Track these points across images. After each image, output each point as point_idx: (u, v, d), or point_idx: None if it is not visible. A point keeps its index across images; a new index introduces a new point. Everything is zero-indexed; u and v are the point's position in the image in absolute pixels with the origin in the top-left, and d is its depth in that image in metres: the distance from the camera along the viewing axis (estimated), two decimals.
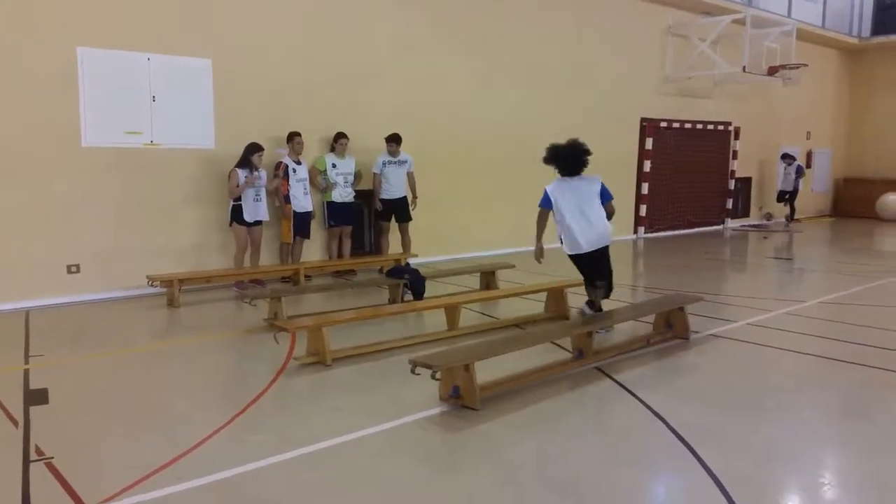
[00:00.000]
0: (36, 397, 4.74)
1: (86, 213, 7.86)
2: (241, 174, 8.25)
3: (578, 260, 6.19)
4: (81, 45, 7.69)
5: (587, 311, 6.22)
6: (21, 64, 7.36)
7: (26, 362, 5.60)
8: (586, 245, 6.01)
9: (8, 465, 3.69)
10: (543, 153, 6.24)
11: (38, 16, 7.42)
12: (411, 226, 9.99)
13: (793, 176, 16.53)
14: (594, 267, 6.21)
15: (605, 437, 4.20)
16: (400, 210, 9.86)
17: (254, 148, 8.34)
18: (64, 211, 7.72)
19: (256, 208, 8.45)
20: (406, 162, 9.76)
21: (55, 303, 7.69)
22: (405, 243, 10.01)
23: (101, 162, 7.91)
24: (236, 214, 8.36)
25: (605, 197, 6.13)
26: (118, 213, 8.07)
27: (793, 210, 16.85)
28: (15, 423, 4.30)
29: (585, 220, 6.00)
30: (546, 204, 6.12)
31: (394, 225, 10.00)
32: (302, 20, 9.29)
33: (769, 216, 17.31)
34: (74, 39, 7.65)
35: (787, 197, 16.78)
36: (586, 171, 6.25)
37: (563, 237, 6.15)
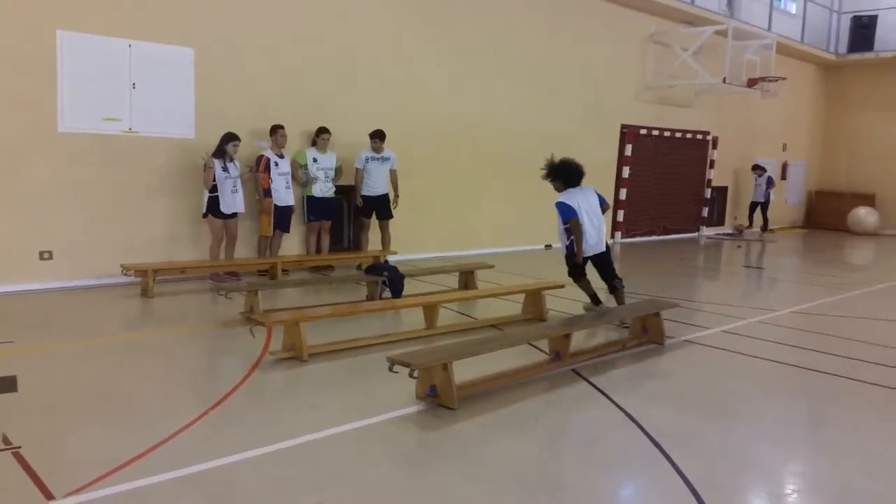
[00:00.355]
0: (4, 385, 4.64)
1: (60, 199, 7.72)
2: (217, 164, 8.16)
3: (591, 260, 6.83)
4: (62, 27, 7.55)
5: (593, 306, 6.93)
6: None
7: None
8: (598, 246, 6.72)
9: None
10: (544, 170, 6.79)
11: None
12: (391, 223, 9.97)
13: (763, 187, 16.61)
14: (605, 265, 6.92)
15: (579, 439, 4.23)
16: (381, 207, 9.83)
17: (229, 137, 8.26)
18: (38, 196, 7.58)
19: (234, 200, 8.37)
20: (389, 159, 9.73)
21: (26, 289, 7.55)
22: (385, 240, 9.98)
23: (77, 148, 7.78)
24: (212, 206, 8.26)
25: (604, 203, 6.87)
26: (94, 199, 7.94)
27: (766, 220, 16.89)
28: None
29: (593, 224, 6.66)
30: (573, 213, 6.54)
31: (374, 222, 9.97)
32: (287, 12, 9.22)
33: (740, 228, 17.45)
34: (55, 22, 7.51)
35: (759, 208, 16.89)
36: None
37: (570, 243, 6.65)
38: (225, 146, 8.25)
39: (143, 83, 8.17)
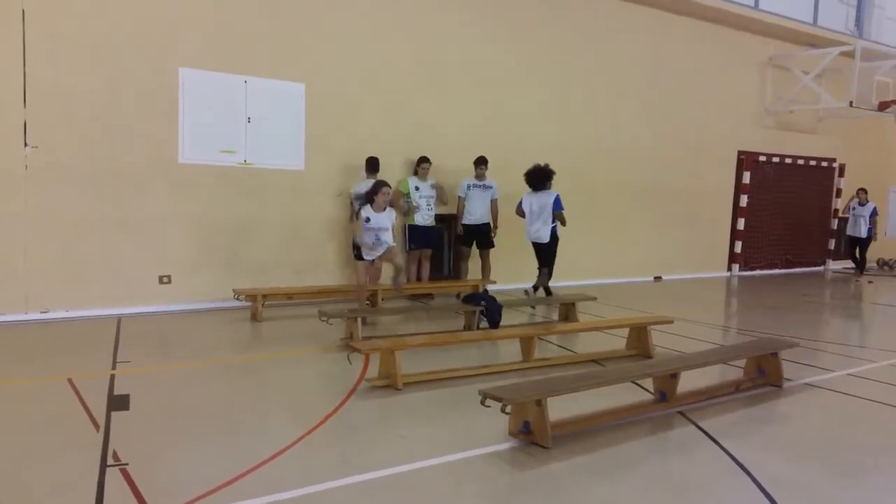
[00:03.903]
0: (118, 403, 4.90)
1: (179, 227, 8.20)
2: (363, 213, 7.25)
3: (533, 245, 9.18)
4: (183, 65, 8.08)
5: (530, 291, 8.88)
6: (126, 82, 7.81)
7: (113, 368, 5.83)
8: (537, 235, 9.01)
9: (86, 469, 3.79)
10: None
11: (144, 37, 7.87)
12: (492, 252, 9.90)
13: (866, 218, 13.94)
14: (541, 253, 9.12)
15: (683, 488, 3.93)
16: (481, 236, 9.79)
17: (380, 184, 7.34)
18: (159, 223, 8.08)
19: (373, 251, 7.43)
20: (491, 188, 9.71)
21: (146, 311, 8.03)
22: (485, 269, 9.92)
23: (196, 178, 8.25)
24: (357, 251, 7.61)
25: (556, 207, 8.86)
26: (209, 227, 8.38)
27: (864, 261, 14.35)
28: (97, 426, 4.44)
29: (533, 219, 9.01)
30: (519, 208, 9.20)
31: (475, 251, 9.94)
32: (389, 48, 9.48)
33: (883, 262, 16.02)
34: (177, 60, 8.05)
35: (859, 245, 14.22)
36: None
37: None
38: (374, 195, 7.28)
39: (258, 117, 8.59)
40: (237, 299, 8.04)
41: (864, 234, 13.98)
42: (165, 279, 8.18)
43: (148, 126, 7.95)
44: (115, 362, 6.00)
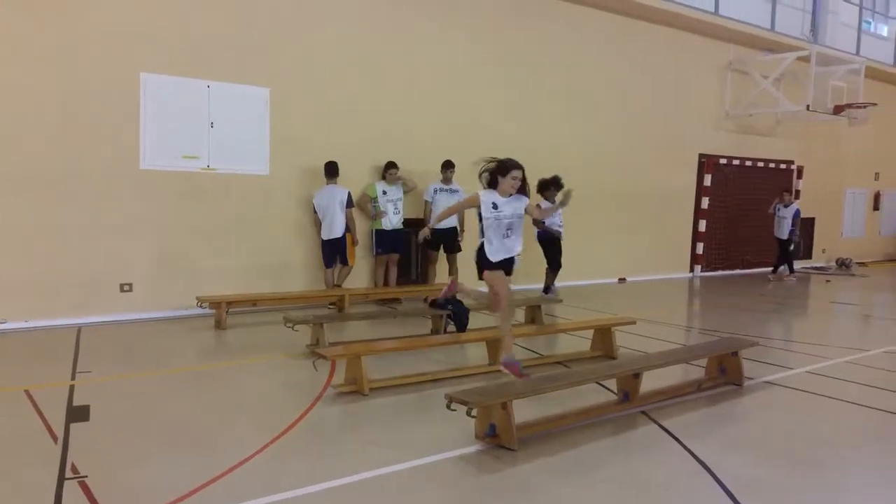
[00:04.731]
0: (78, 414, 4.80)
1: (141, 234, 8.07)
2: (485, 198, 5.99)
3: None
4: (145, 70, 7.96)
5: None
6: (85, 87, 7.65)
7: (73, 378, 5.71)
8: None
9: (43, 482, 3.70)
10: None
11: (104, 41, 7.73)
12: (460, 256, 9.92)
13: (789, 220, 13.60)
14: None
15: (646, 487, 3.98)
16: (449, 241, 9.81)
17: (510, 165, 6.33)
18: (120, 231, 7.94)
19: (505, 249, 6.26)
20: (458, 192, 9.73)
21: (107, 320, 7.88)
22: (453, 273, 9.93)
23: (157, 184, 8.13)
24: (484, 261, 6.42)
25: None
26: (172, 234, 8.26)
27: (788, 261, 13.86)
28: (55, 438, 4.34)
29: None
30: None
31: (442, 255, 9.95)
32: (356, 52, 9.46)
33: (841, 262, 16.39)
34: (138, 65, 7.92)
35: (781, 246, 13.87)
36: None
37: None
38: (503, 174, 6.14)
39: (221, 122, 8.49)
40: (200, 307, 7.93)
41: (784, 235, 13.68)
42: (127, 287, 8.03)
43: (109, 131, 7.81)
44: (74, 373, 5.87)
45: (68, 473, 3.83)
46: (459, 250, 9.88)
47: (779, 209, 13.72)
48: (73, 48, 7.57)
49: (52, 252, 7.59)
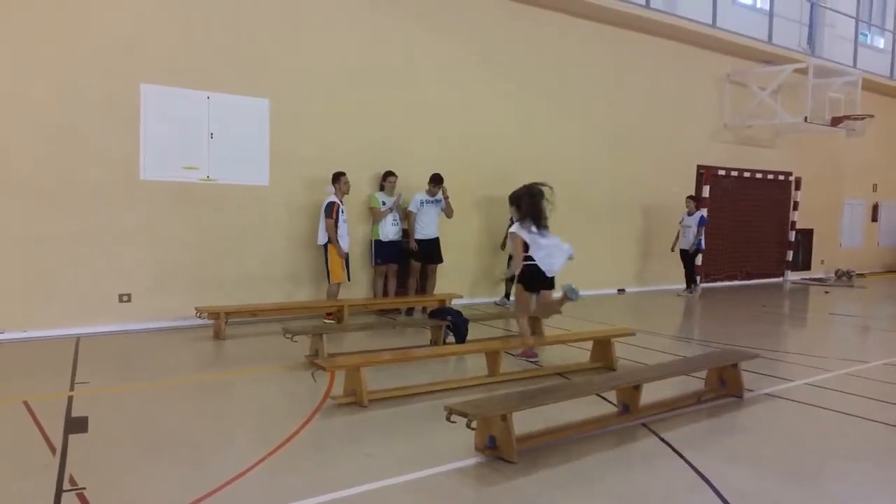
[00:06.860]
0: (76, 425, 4.79)
1: (140, 244, 8.06)
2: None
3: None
4: (145, 81, 7.98)
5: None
6: (86, 97, 7.67)
7: (71, 389, 5.69)
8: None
9: (41, 494, 3.69)
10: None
11: (104, 52, 7.76)
12: (457, 267, 9.90)
13: (694, 228, 12.36)
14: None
15: (647, 500, 3.96)
16: (432, 251, 9.78)
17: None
18: (119, 241, 7.94)
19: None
20: (440, 201, 9.73)
21: (105, 330, 7.86)
22: (431, 284, 9.89)
23: (157, 195, 8.13)
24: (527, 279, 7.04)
25: None
26: (171, 245, 8.25)
27: (691, 274, 12.68)
28: (53, 450, 4.33)
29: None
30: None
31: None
32: (354, 63, 9.49)
33: (841, 273, 16.37)
34: (139, 76, 7.95)
35: (688, 257, 12.61)
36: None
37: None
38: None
39: (221, 133, 8.51)
40: (199, 317, 7.91)
41: (688, 245, 12.41)
42: (125, 297, 8.02)
43: (109, 142, 7.82)
44: (73, 383, 5.85)
45: (66, 485, 3.81)
46: (441, 261, 9.87)
47: (683, 219, 12.50)
48: (73, 59, 7.60)
49: (50, 262, 7.58)
